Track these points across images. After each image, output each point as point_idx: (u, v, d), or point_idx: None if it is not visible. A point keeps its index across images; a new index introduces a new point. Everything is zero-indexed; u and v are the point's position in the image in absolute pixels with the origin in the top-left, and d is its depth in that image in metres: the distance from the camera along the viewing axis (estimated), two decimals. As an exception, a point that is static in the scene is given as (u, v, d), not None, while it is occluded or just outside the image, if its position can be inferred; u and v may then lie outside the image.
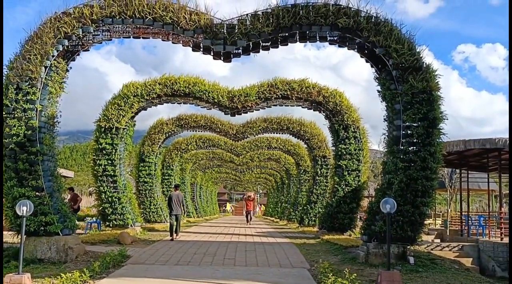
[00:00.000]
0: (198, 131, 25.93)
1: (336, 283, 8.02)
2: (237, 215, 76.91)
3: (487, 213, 24.76)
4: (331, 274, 8.50)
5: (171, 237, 17.61)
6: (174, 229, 17.80)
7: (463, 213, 24.09)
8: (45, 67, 11.37)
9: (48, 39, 11.32)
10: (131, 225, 18.52)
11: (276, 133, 26.09)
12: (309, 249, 14.36)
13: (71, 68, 12.19)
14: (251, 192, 34.14)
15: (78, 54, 12.31)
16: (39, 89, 11.25)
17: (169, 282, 8.54)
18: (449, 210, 34.61)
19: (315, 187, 24.40)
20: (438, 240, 20.93)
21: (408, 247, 11.27)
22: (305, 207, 25.28)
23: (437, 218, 34.28)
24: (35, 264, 10.29)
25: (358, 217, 20.34)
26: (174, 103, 19.27)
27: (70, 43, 11.95)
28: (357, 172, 18.63)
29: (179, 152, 30.06)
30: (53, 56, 11.46)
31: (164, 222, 24.41)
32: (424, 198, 10.92)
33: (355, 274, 8.42)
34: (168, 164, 29.22)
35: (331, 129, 19.44)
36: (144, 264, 10.68)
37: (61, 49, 11.62)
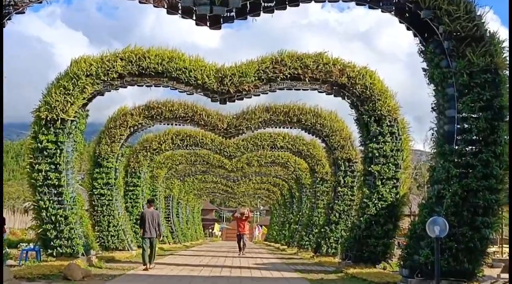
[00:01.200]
0: (175, 124, 26.00)
1: None
2: (229, 240, 76.84)
3: None
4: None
5: (144, 267, 18.38)
6: (147, 257, 18.56)
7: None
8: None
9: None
10: (82, 254, 18.51)
11: (283, 128, 26.26)
12: (328, 288, 14.28)
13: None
14: (244, 208, 33.47)
15: (10, 18, 12.29)
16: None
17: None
18: (522, 234, 34.50)
19: (336, 201, 24.51)
20: (506, 275, 20.76)
21: (464, 284, 11.29)
22: (322, 230, 25.39)
23: (504, 245, 33.98)
24: None
25: (396, 243, 20.51)
26: (142, 85, 19.26)
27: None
28: (395, 181, 18.72)
29: (149, 153, 30.16)
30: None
31: (127, 249, 24.45)
32: (486, 217, 11.02)
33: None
34: (133, 170, 29.38)
35: (358, 122, 19.50)
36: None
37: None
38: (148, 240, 19.05)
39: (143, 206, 29.19)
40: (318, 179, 31.11)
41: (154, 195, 34.91)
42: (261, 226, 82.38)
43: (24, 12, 12.50)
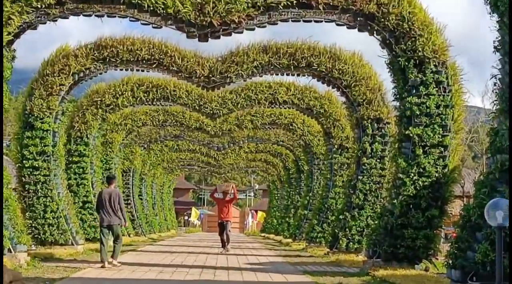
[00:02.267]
0: (137, 70, 26.16)
1: None
2: (211, 231, 76.80)
3: None
4: None
5: (101, 264, 19.42)
6: (106, 252, 19.61)
7: None
8: None
9: None
10: (9, 250, 18.46)
11: (287, 75, 26.40)
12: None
13: None
14: (228, 185, 32.56)
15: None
16: None
17: None
18: None
19: (360, 178, 24.60)
20: None
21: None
22: (341, 217, 25.49)
23: None
24: None
25: (443, 235, 20.39)
26: (90, 14, 19.15)
27: None
28: (442, 149, 18.87)
29: (100, 111, 30.21)
30: None
31: (71, 244, 24.55)
32: None
33: None
34: (79, 134, 29.54)
35: (392, 68, 19.63)
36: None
37: None
38: (106, 229, 19.97)
39: (92, 184, 29.72)
40: (336, 146, 30.96)
41: (108, 168, 35.04)
42: (255, 211, 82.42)
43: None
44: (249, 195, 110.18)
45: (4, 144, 25.40)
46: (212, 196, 33.51)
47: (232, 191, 31.17)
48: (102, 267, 19.28)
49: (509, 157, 11.28)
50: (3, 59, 11.87)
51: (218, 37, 19.37)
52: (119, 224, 20.30)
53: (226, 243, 30.28)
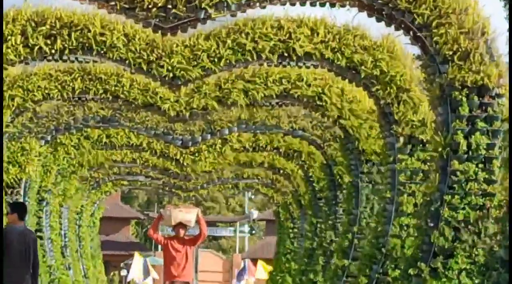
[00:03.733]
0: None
1: None
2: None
3: None
4: None
5: None
6: None
7: None
8: None
9: None
10: None
11: (312, 5, 21.27)
12: None
13: None
14: (187, 208, 25.78)
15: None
16: None
17: None
18: None
19: (447, 198, 19.45)
20: None
21: None
22: (411, 272, 20.59)
23: None
24: None
25: None
26: None
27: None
28: None
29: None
30: None
31: None
32: None
33: None
34: None
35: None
36: None
37: None
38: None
39: None
40: (402, 139, 24.15)
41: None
42: (254, 261, 67.07)
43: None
44: (241, 231, 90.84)
45: None
46: (152, 231, 24.21)
47: (196, 221, 23.39)
48: None
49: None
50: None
51: None
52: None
53: None
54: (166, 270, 23.51)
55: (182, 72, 24.21)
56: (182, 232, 22.87)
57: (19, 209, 18.97)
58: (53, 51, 23.86)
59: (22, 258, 17.79)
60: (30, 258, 18.04)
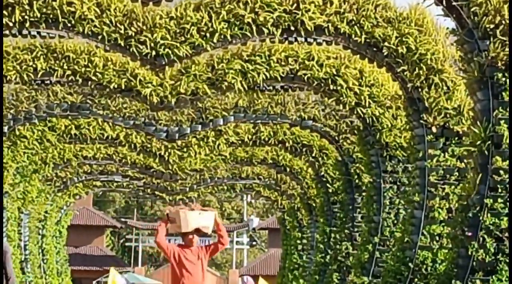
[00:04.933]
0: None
1: None
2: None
3: None
4: None
5: None
6: None
7: None
8: None
9: None
10: None
11: None
12: None
13: None
14: (196, 206, 21.42)
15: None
16: None
17: None
18: None
19: (489, 202, 18.81)
20: None
21: None
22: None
23: None
24: None
25: None
26: None
27: None
28: None
29: None
30: None
31: None
32: None
33: None
34: None
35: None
36: None
37: None
38: None
39: None
40: (434, 130, 23.20)
41: None
42: (254, 278, 67.46)
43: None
44: (239, 243, 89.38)
45: None
46: (161, 239, 19.42)
47: (209, 223, 19.21)
48: None
49: (509, 156, 13.73)
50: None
51: None
52: None
53: None
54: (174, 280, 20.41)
55: (167, 49, 23.13)
56: (196, 240, 19.66)
57: None
58: (10, 23, 22.60)
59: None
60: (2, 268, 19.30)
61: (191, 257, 18.82)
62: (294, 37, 23.39)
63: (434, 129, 22.50)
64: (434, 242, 22.58)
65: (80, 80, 27.15)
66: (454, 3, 18.22)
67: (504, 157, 17.84)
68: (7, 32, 23.27)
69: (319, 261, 38.39)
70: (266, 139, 36.16)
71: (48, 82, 28.32)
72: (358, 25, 22.20)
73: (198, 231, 19.00)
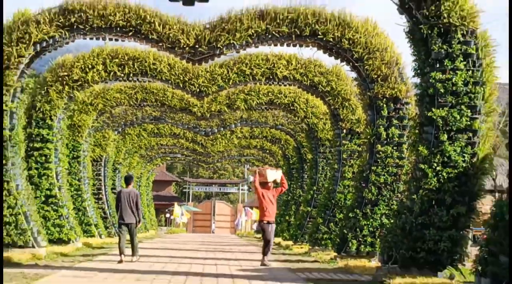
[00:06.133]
0: (110, 38, 25.98)
1: None
2: (197, 232, 75.90)
3: None
4: None
5: (120, 258, 24.70)
6: (124, 246, 25.09)
7: None
8: None
9: None
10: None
11: (288, 46, 26.32)
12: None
13: None
14: (264, 168, 28.22)
15: None
16: None
17: None
18: None
19: (374, 169, 24.57)
20: None
21: None
22: (351, 215, 25.34)
23: None
24: None
25: (471, 236, 19.96)
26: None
27: None
28: (471, 135, 18.71)
29: (67, 88, 30.04)
30: None
31: (31, 246, 24.44)
32: None
33: None
34: (41, 115, 29.41)
35: (412, 37, 19.54)
36: None
37: None
38: (125, 227, 25.41)
39: (57, 175, 29.81)
40: (344, 131, 30.99)
41: (76, 156, 35.28)
42: (250, 208, 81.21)
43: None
44: (242, 189, 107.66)
45: None
46: (258, 185, 26.15)
47: (273, 176, 26.47)
48: (120, 262, 24.46)
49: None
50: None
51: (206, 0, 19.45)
52: (134, 223, 25.35)
53: (268, 251, 26.13)
54: (261, 213, 26.15)
55: (205, 87, 31.91)
56: (271, 185, 26.11)
57: (125, 180, 27.17)
58: (123, 74, 31.04)
59: (128, 206, 25.28)
60: (136, 207, 25.44)
61: (269, 194, 25.81)
62: (271, 82, 32.36)
63: (345, 130, 30.78)
64: (345, 189, 30.33)
65: (159, 104, 37.38)
66: (356, 64, 24.87)
67: (382, 145, 24.81)
68: (121, 78, 31.92)
69: (285, 199, 51.95)
70: (257, 135, 50.08)
71: (142, 105, 38.18)
72: (305, 75, 30.66)
73: (274, 182, 26.27)
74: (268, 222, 25.58)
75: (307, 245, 34.52)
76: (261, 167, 31.62)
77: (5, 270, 19.41)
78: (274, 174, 26.17)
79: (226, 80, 31.60)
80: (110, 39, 26.56)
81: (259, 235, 58.28)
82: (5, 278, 17.94)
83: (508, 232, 11.82)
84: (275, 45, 26.63)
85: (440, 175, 18.60)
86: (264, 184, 25.76)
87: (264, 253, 25.39)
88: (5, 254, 22.45)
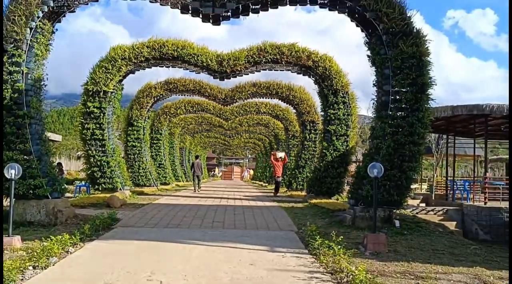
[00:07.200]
0: (187, 95, 25.50)
1: (323, 245, 7.99)
2: (226, 180, 76.34)
3: (472, 178, 24.69)
4: (318, 236, 8.50)
5: (194, 190, 25.38)
6: (197, 185, 25.80)
7: (448, 178, 23.73)
8: (31, 29, 11.16)
9: (33, 0, 11.09)
10: (120, 189, 18.33)
11: (266, 98, 25.76)
12: (297, 213, 14.28)
13: (57, 30, 11.97)
14: (279, 152, 27.36)
15: (64, 15, 12.00)
16: (25, 51, 11.05)
17: (159, 245, 8.52)
18: (435, 175, 34.11)
19: (303, 152, 24.02)
20: (424, 204, 20.83)
21: (394, 211, 11.29)
22: (293, 172, 24.93)
23: (423, 183, 34.00)
24: (25, 227, 10.10)
25: (346, 181, 20.19)
26: (162, 66, 18.83)
27: (56, 3, 11.71)
28: (346, 137, 18.54)
29: (168, 116, 29.64)
30: (38, 17, 11.24)
31: (152, 185, 24.18)
32: (411, 163, 10.87)
33: (342, 237, 8.41)
34: (156, 128, 28.86)
35: (320, 94, 19.10)
36: (134, 227, 10.61)
37: (46, 10, 11.38)
38: (196, 177, 26.10)
39: (163, 155, 28.97)
40: (291, 135, 30.76)
41: (172, 146, 34.37)
42: (250, 169, 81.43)
43: (75, 11, 12.14)
44: (245, 160, 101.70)
45: (117, 134, 24.50)
46: (272, 159, 25.13)
47: (283, 157, 25.17)
48: (194, 191, 25.11)
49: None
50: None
51: (229, 78, 18.91)
52: (201, 175, 26.47)
53: (277, 191, 24.31)
54: (274, 172, 24.90)
55: (229, 116, 31.31)
56: (280, 158, 24.73)
57: (196, 157, 27.39)
58: (193, 110, 30.60)
59: (198, 167, 25.92)
60: (200, 169, 26.13)
61: (279, 164, 24.54)
62: (258, 114, 31.12)
63: (290, 135, 29.48)
64: (292, 159, 27.74)
65: (209, 124, 35.12)
66: (296, 106, 23.84)
67: (307, 141, 23.46)
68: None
69: (264, 166, 47.34)
70: (252, 137, 46.20)
71: (201, 123, 35.65)
72: (273, 111, 29.35)
73: (280, 158, 24.65)
74: (278, 176, 24.56)
75: (274, 185, 32.55)
76: (274, 151, 30.33)
77: (140, 196, 19.66)
78: (280, 154, 25.30)
79: (238, 113, 31.22)
80: (187, 95, 25.42)
81: (254, 181, 56.10)
82: (138, 198, 18.37)
83: (362, 179, 11.69)
84: (260, 98, 25.88)
85: (332, 155, 18.44)
86: (276, 159, 24.65)
87: (276, 190, 24.17)
88: (140, 189, 22.20)
